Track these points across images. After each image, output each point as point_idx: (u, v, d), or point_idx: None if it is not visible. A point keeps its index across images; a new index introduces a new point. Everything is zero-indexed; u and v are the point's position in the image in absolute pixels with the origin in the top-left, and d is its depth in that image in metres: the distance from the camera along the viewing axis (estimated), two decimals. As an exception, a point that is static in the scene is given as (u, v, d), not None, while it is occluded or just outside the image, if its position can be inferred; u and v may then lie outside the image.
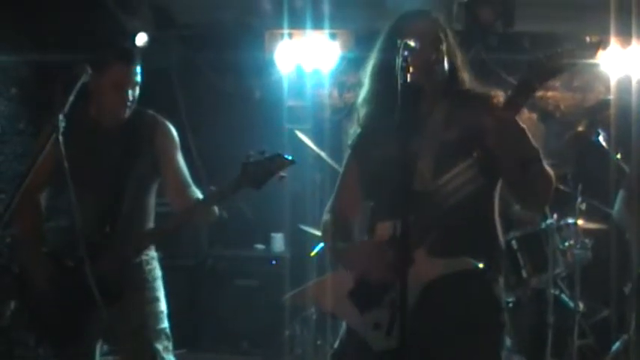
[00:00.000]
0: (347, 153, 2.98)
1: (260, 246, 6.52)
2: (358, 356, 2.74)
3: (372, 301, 2.68)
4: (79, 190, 3.16)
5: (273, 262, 6.20)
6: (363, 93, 2.89)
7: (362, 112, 2.90)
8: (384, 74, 2.74)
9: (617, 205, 4.43)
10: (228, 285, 6.17)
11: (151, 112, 3.72)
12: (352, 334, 2.77)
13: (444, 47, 2.76)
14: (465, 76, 2.84)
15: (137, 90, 3.59)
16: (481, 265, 2.68)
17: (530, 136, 2.59)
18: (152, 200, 3.71)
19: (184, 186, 3.62)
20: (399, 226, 2.32)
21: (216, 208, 3.53)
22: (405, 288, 2.28)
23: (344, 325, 2.86)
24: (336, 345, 2.89)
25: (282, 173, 3.35)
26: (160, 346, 3.59)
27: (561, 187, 5.63)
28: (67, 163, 2.99)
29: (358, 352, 2.73)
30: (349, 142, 2.96)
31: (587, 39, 2.46)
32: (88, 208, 3.36)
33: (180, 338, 3.95)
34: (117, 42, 3.50)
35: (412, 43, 2.48)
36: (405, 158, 2.42)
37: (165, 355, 3.60)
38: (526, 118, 5.18)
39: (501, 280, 2.78)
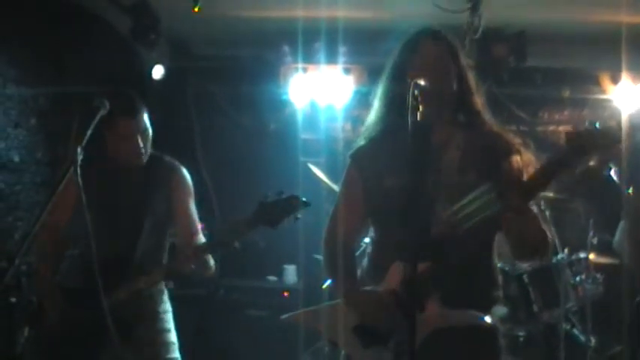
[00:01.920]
0: (348, 163, 2.94)
1: (272, 277, 6.52)
2: None
3: (377, 340, 2.67)
4: (96, 223, 3.22)
5: (285, 294, 6.21)
6: (372, 115, 2.86)
7: (369, 130, 2.86)
8: (393, 102, 2.70)
9: (618, 236, 4.34)
10: (240, 316, 6.17)
11: (168, 157, 3.79)
12: None
13: (452, 67, 2.73)
14: (477, 100, 2.79)
15: (148, 136, 3.64)
16: (488, 320, 2.70)
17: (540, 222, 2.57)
18: (166, 241, 3.79)
19: (193, 232, 3.69)
20: (413, 271, 2.31)
21: (211, 260, 3.61)
22: (413, 336, 2.28)
23: (343, 354, 2.85)
24: None
25: (297, 215, 3.42)
26: None
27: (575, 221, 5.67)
28: (86, 196, 3.05)
29: None
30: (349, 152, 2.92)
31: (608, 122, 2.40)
32: (103, 241, 3.42)
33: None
34: (120, 94, 3.53)
35: (422, 82, 2.47)
36: (421, 200, 2.40)
37: None
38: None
39: (501, 333, 2.78)
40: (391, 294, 2.63)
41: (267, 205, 3.40)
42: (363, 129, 2.89)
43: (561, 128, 6.77)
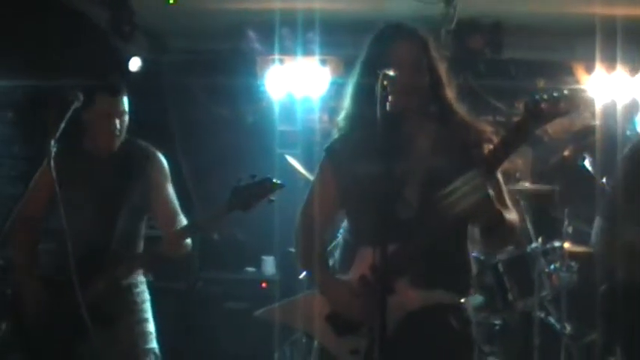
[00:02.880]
0: (322, 156, 2.94)
1: (251, 269, 6.53)
2: None
3: (349, 328, 2.68)
4: (73, 215, 3.23)
5: (264, 285, 6.23)
6: (345, 109, 2.85)
7: (342, 123, 2.86)
8: (364, 96, 2.68)
9: (595, 237, 4.03)
10: (219, 308, 6.18)
11: (143, 142, 3.80)
12: (327, 354, 2.77)
13: (424, 65, 2.73)
14: (449, 93, 2.79)
15: (125, 120, 3.68)
16: (462, 300, 2.73)
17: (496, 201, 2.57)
18: (142, 227, 3.80)
19: (173, 215, 3.72)
20: (381, 255, 2.33)
21: (188, 242, 3.64)
22: (384, 320, 2.30)
23: (316, 344, 2.86)
24: None
25: (271, 197, 3.44)
26: None
27: (550, 210, 5.72)
28: (61, 188, 3.06)
29: None
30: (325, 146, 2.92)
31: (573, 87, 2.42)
32: (80, 232, 3.42)
33: (171, 360, 4.00)
34: (103, 73, 3.55)
35: (392, 73, 2.46)
36: (390, 185, 2.42)
37: None
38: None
39: (473, 313, 2.82)
40: (360, 280, 2.65)
41: (241, 189, 3.42)
42: (336, 123, 2.89)
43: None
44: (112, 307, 3.53)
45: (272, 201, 3.44)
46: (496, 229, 2.62)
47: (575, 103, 2.46)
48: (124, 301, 3.66)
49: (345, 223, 2.91)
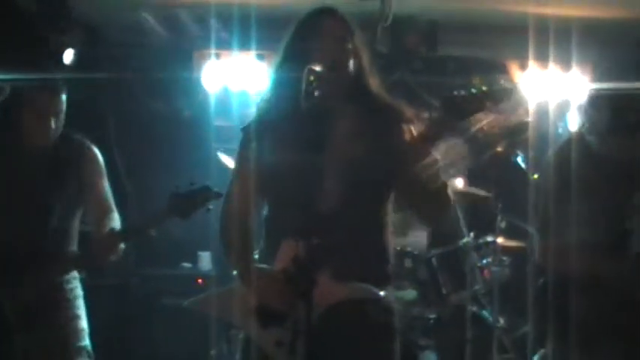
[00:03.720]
0: (240, 137, 2.91)
1: (187, 265, 6.51)
2: None
3: (274, 320, 2.67)
4: (5, 209, 3.17)
5: (199, 281, 6.19)
6: (267, 93, 2.85)
7: (263, 107, 2.84)
8: (288, 84, 2.67)
9: (539, 251, 3.89)
10: (155, 304, 6.14)
11: (78, 136, 3.75)
12: (253, 345, 2.76)
13: (349, 46, 2.73)
14: (373, 81, 2.81)
15: (62, 118, 3.63)
16: (382, 293, 2.74)
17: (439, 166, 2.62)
18: (77, 224, 3.74)
19: (106, 212, 3.68)
20: (304, 248, 2.36)
21: (120, 247, 3.57)
22: (308, 313, 2.34)
23: (242, 336, 2.86)
24: (237, 356, 2.87)
25: (209, 206, 3.43)
26: None
27: (484, 205, 5.80)
28: None
29: None
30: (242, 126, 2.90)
31: (502, 82, 2.47)
32: (12, 227, 3.37)
33: (107, 358, 3.96)
34: (34, 65, 3.50)
35: (318, 68, 2.48)
36: (311, 176, 2.44)
37: None
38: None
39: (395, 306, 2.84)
40: (282, 273, 2.65)
41: (179, 197, 3.42)
42: (257, 105, 2.87)
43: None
44: (43, 303, 3.48)
45: (209, 210, 3.44)
46: (438, 193, 2.63)
47: (494, 99, 2.50)
48: (55, 298, 3.60)
49: (266, 211, 2.88)
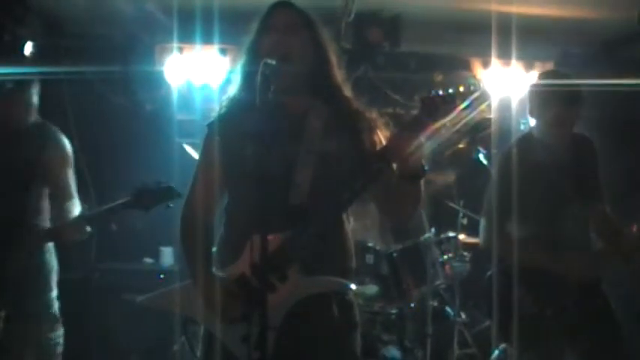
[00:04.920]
0: (205, 133, 2.91)
1: (149, 260, 6.48)
2: None
3: (239, 315, 2.60)
4: None
5: (161, 276, 6.17)
6: (231, 89, 2.87)
7: (227, 103, 2.86)
8: (248, 79, 2.70)
9: (481, 233, 4.06)
10: (116, 299, 6.09)
11: (51, 125, 3.92)
12: (216, 341, 2.73)
13: (305, 38, 2.74)
14: (336, 72, 2.81)
15: (33, 111, 3.86)
16: (353, 286, 2.75)
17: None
18: (46, 204, 3.88)
19: (66, 198, 3.87)
20: (276, 241, 2.38)
21: (87, 228, 3.81)
22: (265, 318, 2.33)
23: (203, 330, 2.82)
24: (199, 352, 2.84)
25: (170, 203, 3.62)
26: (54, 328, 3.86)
27: (446, 202, 5.84)
28: None
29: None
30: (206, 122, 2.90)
31: (470, 80, 2.52)
32: None
33: (68, 353, 3.96)
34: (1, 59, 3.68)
35: (272, 62, 2.48)
36: (279, 170, 2.45)
37: None
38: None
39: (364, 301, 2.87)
40: (239, 280, 2.62)
41: (145, 192, 3.60)
42: (221, 102, 2.87)
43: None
44: (21, 273, 3.67)
45: (170, 207, 3.61)
46: (413, 185, 2.65)
47: (467, 98, 2.54)
48: (33, 283, 3.76)
49: (227, 205, 2.86)
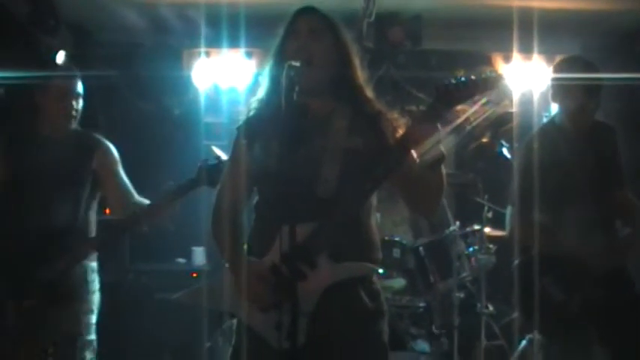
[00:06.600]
0: (234, 136, 2.97)
1: (181, 260, 6.58)
2: (259, 353, 2.74)
3: (272, 303, 2.68)
4: (28, 197, 3.34)
5: (194, 275, 6.27)
6: (259, 93, 2.93)
7: (255, 106, 2.92)
8: (275, 83, 2.77)
9: (508, 222, 4.16)
10: (150, 299, 6.20)
11: (93, 133, 3.99)
12: (250, 331, 2.77)
13: (328, 40, 2.80)
14: (359, 74, 2.87)
15: (80, 101, 3.88)
16: (381, 271, 2.84)
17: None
18: (94, 215, 3.94)
19: (127, 196, 3.91)
20: (304, 231, 2.44)
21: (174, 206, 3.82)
22: (296, 306, 2.41)
23: (236, 322, 2.86)
24: (233, 342, 2.86)
25: None
26: (87, 357, 3.79)
27: (471, 196, 5.89)
28: (15, 175, 3.14)
29: (258, 349, 2.73)
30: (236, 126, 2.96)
31: (488, 72, 2.58)
32: (32, 219, 3.56)
33: (103, 353, 4.02)
34: (35, 69, 3.72)
35: (296, 64, 2.57)
36: (307, 166, 2.53)
37: None
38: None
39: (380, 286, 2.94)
40: (272, 269, 2.70)
41: (209, 167, 3.64)
42: (249, 104, 2.96)
43: (458, 107, 6.98)
44: (67, 290, 3.69)
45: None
46: (434, 171, 2.73)
47: (482, 87, 2.61)
48: (76, 288, 3.77)
49: (256, 203, 2.94)
